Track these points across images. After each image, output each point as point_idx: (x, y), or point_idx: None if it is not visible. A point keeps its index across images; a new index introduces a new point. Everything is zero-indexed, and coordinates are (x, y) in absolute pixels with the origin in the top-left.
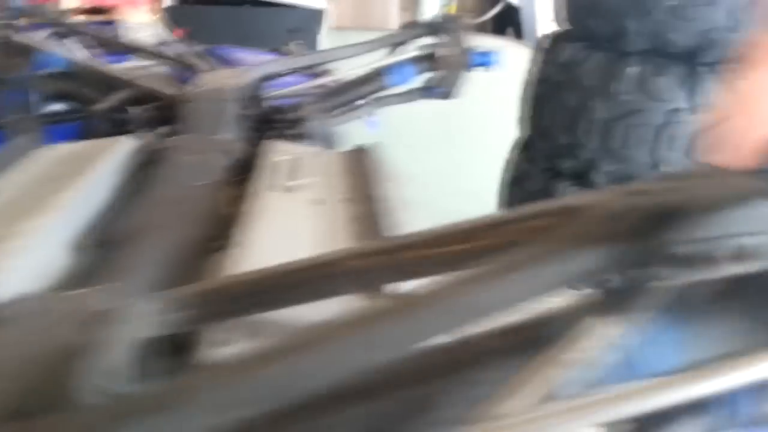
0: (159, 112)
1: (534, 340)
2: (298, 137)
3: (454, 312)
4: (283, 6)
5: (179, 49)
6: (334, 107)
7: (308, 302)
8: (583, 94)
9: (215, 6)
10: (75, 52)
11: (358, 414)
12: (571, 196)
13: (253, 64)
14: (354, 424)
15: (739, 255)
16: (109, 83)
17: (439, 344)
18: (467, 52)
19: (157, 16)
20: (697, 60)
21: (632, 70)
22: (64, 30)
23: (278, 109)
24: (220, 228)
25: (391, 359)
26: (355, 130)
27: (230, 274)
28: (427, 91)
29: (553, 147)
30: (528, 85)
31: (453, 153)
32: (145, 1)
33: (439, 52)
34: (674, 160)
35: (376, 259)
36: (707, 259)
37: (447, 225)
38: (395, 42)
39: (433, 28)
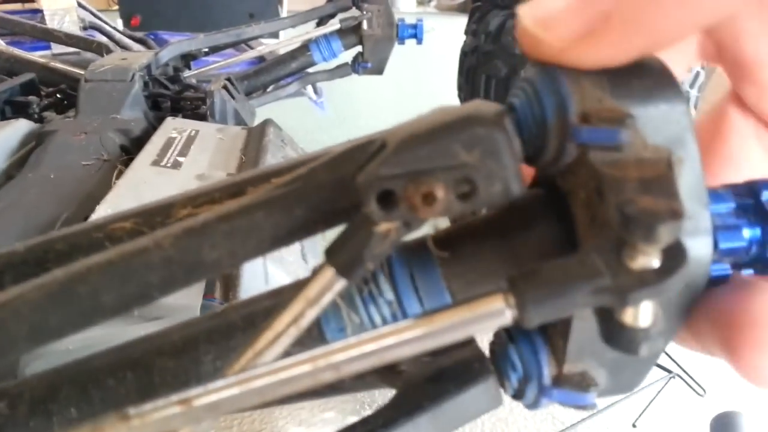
0: (64, 95)
1: (280, 298)
2: (204, 115)
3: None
4: None
5: (107, 34)
6: (261, 84)
7: None
8: (513, 63)
9: None
10: None
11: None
12: (343, 143)
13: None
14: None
15: (466, 190)
16: (17, 68)
17: (210, 312)
18: (394, 24)
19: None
20: None
21: None
22: None
23: (193, 87)
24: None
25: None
26: (305, 112)
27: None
28: (356, 66)
29: None
30: (461, 56)
31: None
32: None
33: (365, 24)
34: None
35: (142, 221)
36: (426, 195)
37: (228, 177)
38: (321, 15)
39: (358, 0)
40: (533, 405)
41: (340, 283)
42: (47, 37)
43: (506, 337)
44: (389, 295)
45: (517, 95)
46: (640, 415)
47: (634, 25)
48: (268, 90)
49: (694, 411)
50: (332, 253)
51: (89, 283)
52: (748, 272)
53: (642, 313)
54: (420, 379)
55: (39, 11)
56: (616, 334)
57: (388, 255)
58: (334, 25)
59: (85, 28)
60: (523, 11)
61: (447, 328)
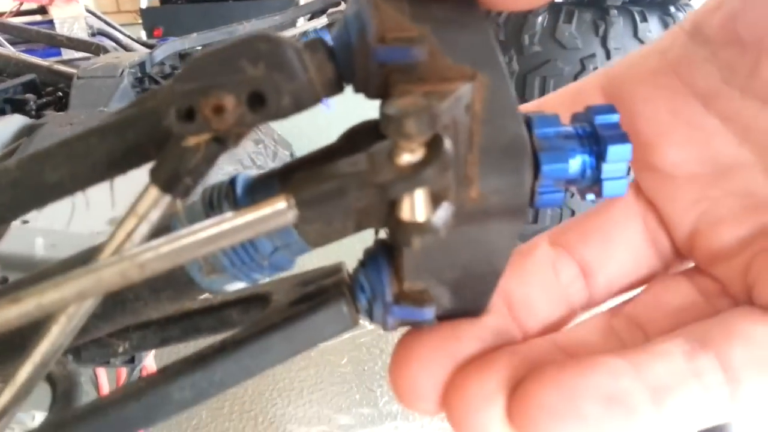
0: (63, 93)
1: None
2: None
3: None
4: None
5: (114, 39)
6: None
7: None
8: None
9: (191, 4)
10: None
11: None
12: None
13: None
14: None
15: (258, 102)
16: (24, 71)
17: None
18: None
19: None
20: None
21: (541, 19)
22: None
23: None
24: None
25: None
26: (316, 112)
27: None
28: None
29: None
30: None
31: None
32: None
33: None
34: None
35: None
36: (217, 107)
37: None
38: (312, 11)
39: None
40: (383, 324)
41: (165, 199)
42: (50, 41)
43: (360, 263)
44: None
45: (335, 25)
46: None
47: None
48: None
49: None
50: (154, 173)
51: None
52: (589, 197)
53: (417, 209)
54: (284, 305)
55: (49, 21)
56: (395, 230)
57: (236, 185)
58: (323, 19)
59: (93, 34)
60: None
61: (238, 228)
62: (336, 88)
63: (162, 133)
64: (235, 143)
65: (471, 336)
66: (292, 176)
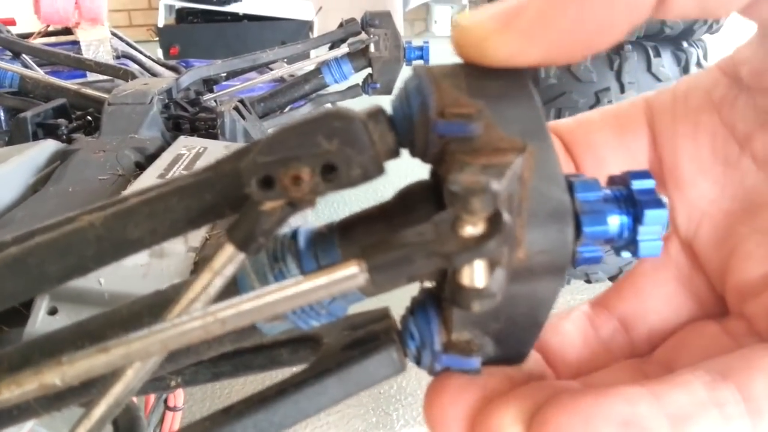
0: (92, 117)
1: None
2: (216, 134)
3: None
4: (272, 20)
5: (138, 62)
6: (276, 106)
7: None
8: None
9: (207, 24)
10: (28, 70)
11: None
12: None
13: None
14: None
15: (331, 173)
16: (53, 95)
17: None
18: (402, 46)
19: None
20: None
21: None
22: (18, 50)
23: (208, 109)
24: None
25: None
26: None
27: None
28: (366, 87)
29: None
30: None
31: None
32: (100, 20)
33: (372, 47)
34: None
35: None
36: (294, 177)
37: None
38: (333, 40)
39: (366, 24)
40: (430, 370)
41: (240, 257)
42: (79, 65)
43: (408, 311)
44: (296, 272)
45: (396, 96)
46: None
47: (538, 27)
48: (285, 111)
49: None
50: (231, 232)
51: (37, 256)
52: (626, 254)
53: (476, 276)
54: (337, 349)
55: (78, 42)
56: (455, 293)
57: (298, 238)
58: (343, 48)
59: (118, 57)
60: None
61: (313, 289)
62: (394, 155)
63: (237, 196)
64: (306, 207)
65: (502, 374)
66: (351, 233)
